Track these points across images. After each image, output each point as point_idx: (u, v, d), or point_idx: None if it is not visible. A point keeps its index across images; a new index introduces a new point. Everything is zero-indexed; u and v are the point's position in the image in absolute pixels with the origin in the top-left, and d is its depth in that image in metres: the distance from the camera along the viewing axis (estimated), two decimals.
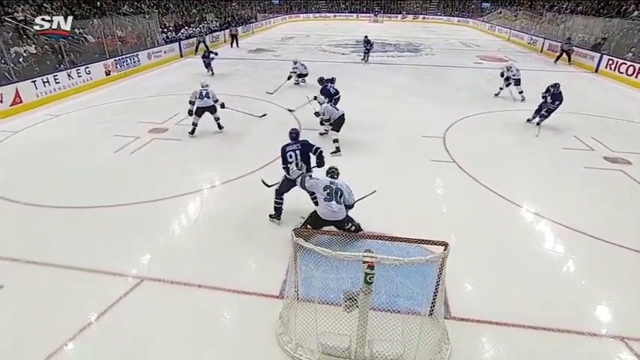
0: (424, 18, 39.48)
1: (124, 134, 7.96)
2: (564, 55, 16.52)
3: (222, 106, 7.94)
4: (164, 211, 5.35)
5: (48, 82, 10.37)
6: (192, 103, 7.67)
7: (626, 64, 13.61)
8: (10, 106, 9.37)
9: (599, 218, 5.31)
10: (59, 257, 4.35)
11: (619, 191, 6.16)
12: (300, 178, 4.63)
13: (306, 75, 12.02)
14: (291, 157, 4.82)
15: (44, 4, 14.28)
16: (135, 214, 5.26)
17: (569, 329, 3.54)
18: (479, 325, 3.57)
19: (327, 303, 3.23)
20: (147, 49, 15.20)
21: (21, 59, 11.02)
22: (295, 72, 11.82)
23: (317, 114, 7.40)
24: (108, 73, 12.65)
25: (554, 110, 8.32)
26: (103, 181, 6.15)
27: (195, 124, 7.88)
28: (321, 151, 5.02)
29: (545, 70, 15.80)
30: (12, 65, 10.17)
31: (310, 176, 4.61)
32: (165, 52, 16.14)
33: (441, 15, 39.31)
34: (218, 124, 8.10)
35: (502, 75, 10.92)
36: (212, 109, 7.85)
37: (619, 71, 13.85)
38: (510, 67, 10.81)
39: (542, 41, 20.35)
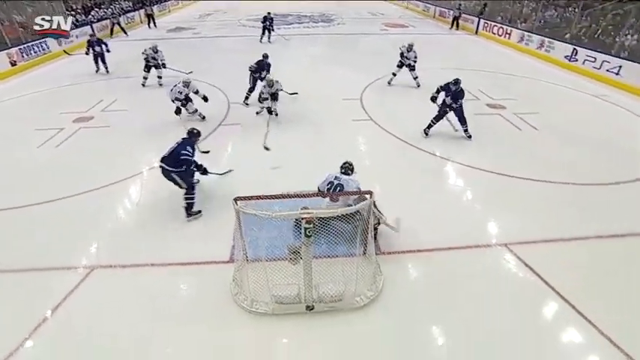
0: None
1: (46, 127, 6.82)
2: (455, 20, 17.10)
3: (200, 117, 7.19)
4: (104, 199, 4.81)
5: None
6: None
7: (497, 26, 14.74)
8: None
9: (487, 154, 5.89)
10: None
11: (499, 130, 6.84)
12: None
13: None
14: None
15: None
16: (73, 207, 4.65)
17: (470, 245, 3.99)
18: (403, 255, 3.86)
19: (275, 259, 3.22)
20: None
21: None
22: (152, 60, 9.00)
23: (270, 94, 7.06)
24: (14, 64, 10.53)
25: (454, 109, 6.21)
26: (31, 178, 5.31)
27: (178, 109, 7.04)
28: (184, 158, 4.15)
29: (440, 33, 16.40)
30: None
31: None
32: (77, 36, 13.78)
33: None
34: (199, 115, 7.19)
35: (401, 52, 8.75)
36: (184, 104, 6.89)
37: (492, 32, 14.95)
38: (411, 49, 8.56)
39: (434, 8, 21.06)
